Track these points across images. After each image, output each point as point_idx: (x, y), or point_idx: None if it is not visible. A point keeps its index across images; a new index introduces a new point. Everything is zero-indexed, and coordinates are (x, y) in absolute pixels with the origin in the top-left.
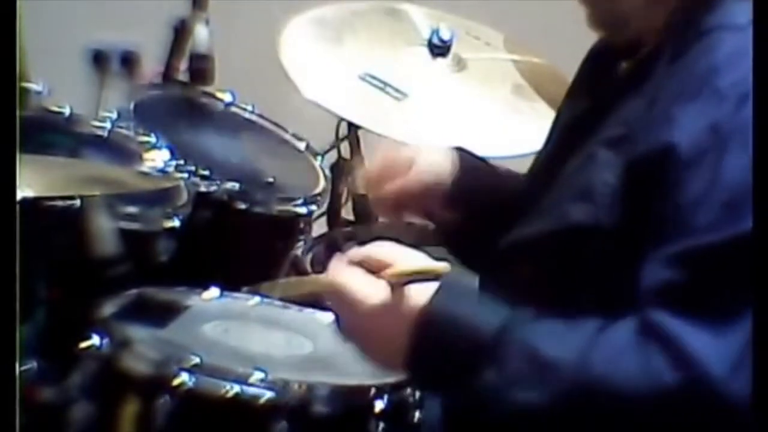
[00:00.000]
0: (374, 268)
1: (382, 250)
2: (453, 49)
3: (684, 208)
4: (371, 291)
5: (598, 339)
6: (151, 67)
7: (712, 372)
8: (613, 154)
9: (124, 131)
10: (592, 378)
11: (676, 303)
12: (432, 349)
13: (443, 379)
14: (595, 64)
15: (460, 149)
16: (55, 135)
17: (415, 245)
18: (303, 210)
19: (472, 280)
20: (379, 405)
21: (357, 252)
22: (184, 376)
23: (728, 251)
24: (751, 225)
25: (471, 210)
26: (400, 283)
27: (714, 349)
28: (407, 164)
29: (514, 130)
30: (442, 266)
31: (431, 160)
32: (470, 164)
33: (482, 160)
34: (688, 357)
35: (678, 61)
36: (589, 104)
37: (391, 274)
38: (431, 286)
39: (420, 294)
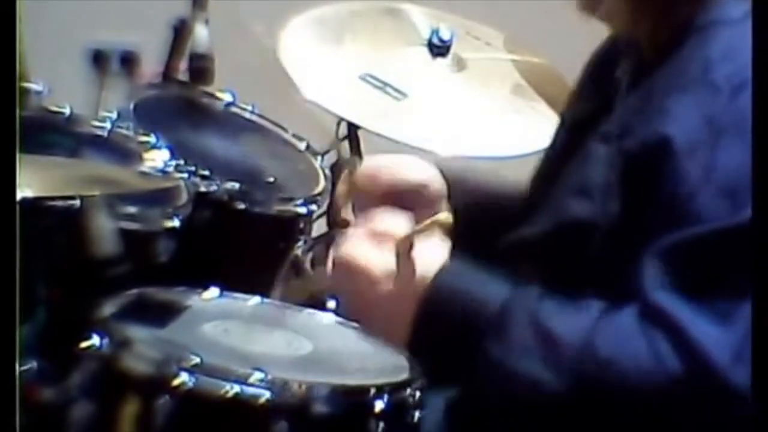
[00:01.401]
0: (380, 238)
1: (385, 218)
2: (453, 49)
3: (681, 198)
4: (378, 260)
5: (602, 321)
6: (151, 67)
7: (715, 360)
8: (610, 148)
9: (124, 131)
10: (597, 360)
11: (678, 291)
12: (436, 324)
13: (447, 355)
14: (599, 66)
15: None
16: (55, 135)
17: None
18: (303, 210)
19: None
20: (379, 405)
21: (361, 224)
22: (184, 376)
23: (725, 240)
24: (747, 214)
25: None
26: (407, 250)
27: (716, 337)
28: (386, 181)
29: (514, 130)
30: (444, 216)
31: (409, 169)
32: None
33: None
34: (691, 345)
35: (674, 56)
36: (593, 106)
37: (399, 240)
38: (438, 258)
39: (427, 265)
